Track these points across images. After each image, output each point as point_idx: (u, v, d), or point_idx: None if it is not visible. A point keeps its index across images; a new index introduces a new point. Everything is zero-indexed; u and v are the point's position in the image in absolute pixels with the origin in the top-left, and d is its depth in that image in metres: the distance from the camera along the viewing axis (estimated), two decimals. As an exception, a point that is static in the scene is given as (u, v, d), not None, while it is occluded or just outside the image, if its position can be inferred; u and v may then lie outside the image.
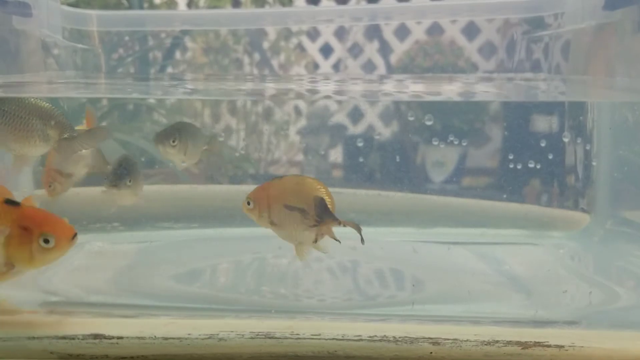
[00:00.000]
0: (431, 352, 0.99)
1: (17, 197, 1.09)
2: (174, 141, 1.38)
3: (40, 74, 1.61)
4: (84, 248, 1.65)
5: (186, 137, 1.40)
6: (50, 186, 1.38)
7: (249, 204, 1.18)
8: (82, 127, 1.43)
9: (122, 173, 1.39)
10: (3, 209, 0.96)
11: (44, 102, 1.25)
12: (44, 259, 0.97)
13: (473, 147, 1.91)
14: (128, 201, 1.43)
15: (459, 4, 1.78)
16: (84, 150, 1.34)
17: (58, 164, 1.40)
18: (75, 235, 0.98)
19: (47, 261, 0.98)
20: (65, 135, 1.28)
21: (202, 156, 1.49)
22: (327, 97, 1.89)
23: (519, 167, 1.71)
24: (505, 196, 1.75)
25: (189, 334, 1.01)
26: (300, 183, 1.16)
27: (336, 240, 1.11)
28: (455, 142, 1.81)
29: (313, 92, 1.75)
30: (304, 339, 1.01)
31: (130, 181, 1.38)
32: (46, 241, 0.96)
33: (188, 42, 2.13)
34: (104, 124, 2.02)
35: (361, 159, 1.85)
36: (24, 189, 1.68)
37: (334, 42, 2.13)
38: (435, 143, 1.82)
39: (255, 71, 2.16)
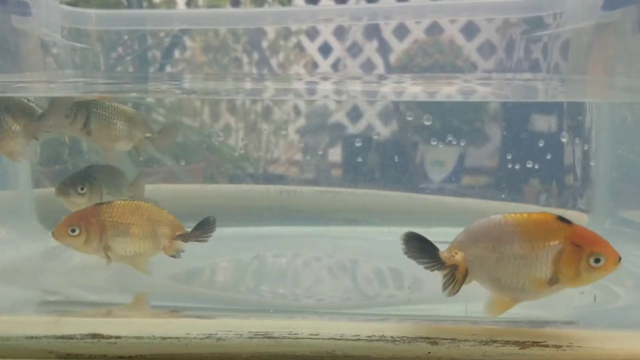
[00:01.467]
0: (429, 352, 0.99)
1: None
2: (67, 113, 1.22)
3: (40, 73, 1.61)
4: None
5: (88, 113, 1.22)
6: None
7: (73, 230, 1.14)
8: None
9: (75, 178, 1.21)
10: (557, 226, 0.97)
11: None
12: (589, 278, 0.97)
13: (472, 146, 1.91)
14: None
15: (458, 4, 1.78)
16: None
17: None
18: (620, 259, 0.97)
19: (591, 280, 0.98)
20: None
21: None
22: (325, 96, 1.89)
23: (517, 167, 1.71)
24: (503, 196, 1.75)
25: (188, 334, 1.01)
26: (138, 205, 1.19)
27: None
28: (454, 142, 1.81)
29: (311, 91, 1.75)
30: (303, 338, 1.01)
31: (82, 189, 1.22)
32: (597, 260, 0.96)
33: (187, 41, 2.13)
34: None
35: (360, 159, 1.85)
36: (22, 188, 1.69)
37: (333, 42, 2.13)
38: (434, 143, 1.82)
39: (255, 70, 2.16)
